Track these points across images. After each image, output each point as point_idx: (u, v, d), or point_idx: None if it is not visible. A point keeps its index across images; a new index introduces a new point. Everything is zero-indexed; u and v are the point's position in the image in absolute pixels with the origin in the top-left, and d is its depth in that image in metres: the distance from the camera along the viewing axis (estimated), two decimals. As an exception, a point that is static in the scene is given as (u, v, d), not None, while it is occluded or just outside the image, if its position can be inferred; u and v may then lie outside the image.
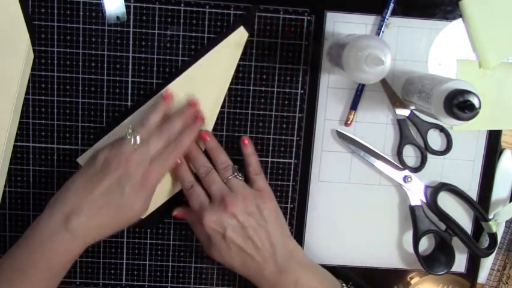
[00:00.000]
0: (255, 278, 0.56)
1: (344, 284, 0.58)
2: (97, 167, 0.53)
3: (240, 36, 0.59)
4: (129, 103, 0.60)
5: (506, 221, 0.65)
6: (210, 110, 0.60)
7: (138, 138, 0.54)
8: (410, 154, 0.63)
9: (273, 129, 0.62)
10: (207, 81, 0.60)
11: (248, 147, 0.59)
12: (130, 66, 0.59)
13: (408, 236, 0.64)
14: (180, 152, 0.57)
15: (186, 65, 0.59)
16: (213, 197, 0.56)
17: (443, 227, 0.63)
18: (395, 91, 0.61)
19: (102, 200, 0.52)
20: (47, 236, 0.50)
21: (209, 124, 0.61)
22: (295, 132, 0.62)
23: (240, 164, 0.60)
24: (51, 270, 0.51)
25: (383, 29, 0.59)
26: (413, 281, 0.66)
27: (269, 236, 0.55)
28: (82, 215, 0.51)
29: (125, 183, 0.52)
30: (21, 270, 0.49)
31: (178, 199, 0.61)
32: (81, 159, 0.60)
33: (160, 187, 0.58)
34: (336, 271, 0.65)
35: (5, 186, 0.61)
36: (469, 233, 0.64)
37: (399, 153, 0.62)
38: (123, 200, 0.53)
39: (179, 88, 0.59)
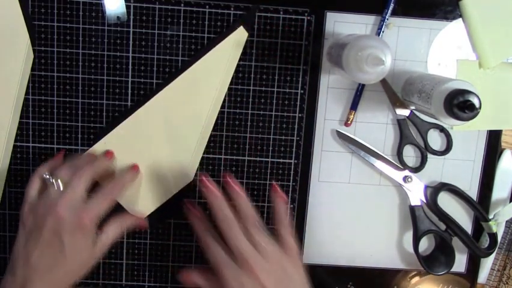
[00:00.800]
0: None
1: None
2: (30, 225, 0.51)
3: (239, 36, 0.59)
4: (129, 103, 0.60)
5: (506, 221, 0.65)
6: (210, 110, 0.60)
7: (60, 182, 0.53)
8: (410, 154, 0.63)
9: (273, 129, 0.62)
10: (207, 81, 0.60)
11: (278, 196, 0.55)
12: (130, 66, 0.59)
13: (408, 236, 0.64)
14: (117, 191, 0.55)
15: (186, 65, 0.59)
16: (236, 254, 0.51)
17: (443, 227, 0.63)
18: (395, 91, 0.61)
19: (46, 258, 0.50)
20: None
21: (209, 124, 0.61)
22: (295, 132, 0.62)
23: (240, 166, 0.60)
24: None
25: (383, 29, 0.59)
26: (413, 281, 0.66)
27: None
28: (36, 283, 0.49)
29: (61, 233, 0.50)
30: None
31: (178, 198, 0.61)
32: None
33: (159, 186, 0.58)
34: (336, 271, 0.65)
35: (5, 186, 0.61)
36: (469, 233, 0.64)
37: (399, 153, 0.62)
38: (67, 250, 0.50)
39: (179, 88, 0.59)
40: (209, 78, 0.60)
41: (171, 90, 0.59)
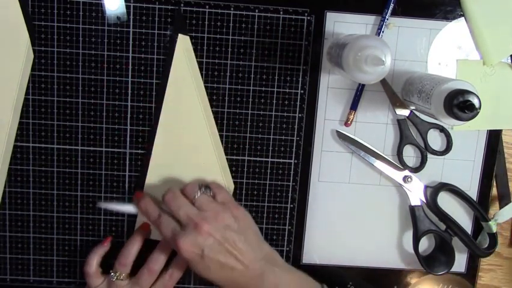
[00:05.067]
0: (235, 286, 0.55)
1: (324, 285, 0.57)
2: None
3: (183, 43, 0.59)
4: (129, 103, 0.60)
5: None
6: (205, 118, 0.60)
7: (123, 276, 0.58)
8: (410, 154, 0.63)
9: (273, 129, 0.62)
10: (185, 99, 0.60)
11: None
12: (130, 67, 0.59)
13: (408, 236, 0.64)
14: (177, 277, 0.60)
15: (159, 98, 0.60)
16: (183, 222, 0.54)
17: (443, 227, 0.63)
18: (395, 91, 0.61)
19: None
20: None
21: (213, 128, 0.61)
22: (295, 132, 0.62)
23: (240, 166, 0.60)
24: None
25: (383, 29, 0.59)
26: (413, 281, 0.66)
27: (246, 245, 0.54)
28: None
29: None
30: None
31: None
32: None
33: None
34: (336, 271, 0.65)
35: (5, 186, 0.61)
36: (469, 233, 0.64)
37: (399, 153, 0.62)
38: None
39: (167, 121, 0.60)
40: (185, 95, 0.60)
41: (164, 129, 0.60)
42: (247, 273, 0.54)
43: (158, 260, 0.59)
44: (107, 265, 0.61)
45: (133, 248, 0.60)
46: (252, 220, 0.58)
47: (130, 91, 0.60)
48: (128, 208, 0.60)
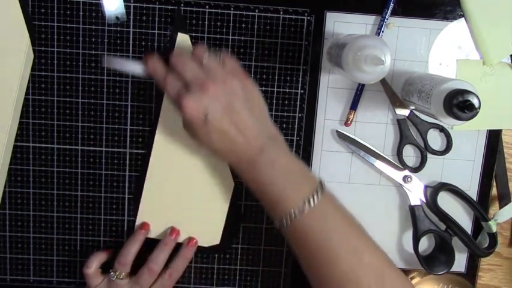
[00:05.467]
0: (232, 159, 0.53)
1: (322, 181, 0.53)
2: None
3: (183, 41, 0.59)
4: (129, 103, 0.60)
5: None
6: None
7: (122, 275, 0.59)
8: (410, 154, 0.63)
9: (273, 129, 0.61)
10: None
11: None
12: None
13: (408, 236, 0.64)
14: (176, 277, 0.60)
15: (158, 98, 0.59)
16: (190, 83, 0.51)
17: (443, 227, 0.63)
18: (395, 91, 0.61)
19: None
20: None
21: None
22: (295, 132, 0.62)
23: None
24: None
25: (383, 29, 0.59)
26: (413, 281, 0.66)
27: (251, 117, 0.52)
28: None
29: None
30: None
31: (236, 207, 0.62)
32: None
33: (211, 210, 0.62)
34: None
35: (5, 186, 0.61)
36: (469, 233, 0.64)
37: (399, 153, 0.62)
38: None
39: (167, 120, 0.60)
40: None
41: (163, 129, 0.61)
42: (248, 146, 0.51)
43: (157, 259, 0.59)
44: (107, 264, 0.61)
45: (133, 247, 0.60)
46: (261, 96, 0.55)
47: (130, 91, 0.60)
48: (135, 67, 0.55)
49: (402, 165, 0.62)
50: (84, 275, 0.59)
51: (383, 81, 0.61)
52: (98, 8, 0.58)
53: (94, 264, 0.60)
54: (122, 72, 0.59)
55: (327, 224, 0.51)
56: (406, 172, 0.62)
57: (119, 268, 0.59)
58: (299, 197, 0.51)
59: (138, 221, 0.62)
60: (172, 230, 0.61)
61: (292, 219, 0.50)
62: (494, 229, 0.63)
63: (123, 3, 0.58)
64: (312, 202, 0.51)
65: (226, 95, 0.50)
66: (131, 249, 0.59)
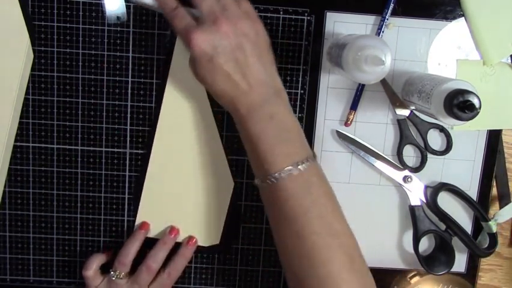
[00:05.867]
0: (231, 105, 0.51)
1: (314, 152, 0.53)
2: None
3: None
4: (129, 103, 0.60)
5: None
6: (205, 118, 0.60)
7: (122, 275, 0.59)
8: (410, 154, 0.63)
9: (273, 129, 0.61)
10: (185, 98, 0.60)
11: None
12: (130, 66, 0.59)
13: (408, 236, 0.64)
14: (175, 276, 0.60)
15: (158, 98, 0.60)
16: (203, 12, 0.49)
17: (443, 227, 0.63)
18: (395, 91, 0.61)
19: None
20: None
21: (211, 125, 0.61)
22: (295, 132, 0.62)
23: (240, 166, 0.60)
24: None
25: (383, 29, 0.59)
26: (413, 281, 0.66)
27: (258, 64, 0.50)
28: None
29: None
30: None
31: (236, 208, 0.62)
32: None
33: (211, 210, 0.62)
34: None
35: (5, 186, 0.61)
36: (469, 233, 0.64)
37: (399, 153, 0.62)
38: None
39: (167, 120, 0.60)
40: (184, 90, 0.60)
41: (163, 129, 0.60)
42: (249, 96, 0.50)
43: (156, 257, 0.59)
44: (107, 264, 0.61)
45: (133, 247, 0.60)
46: (271, 47, 0.53)
47: (130, 91, 0.60)
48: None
49: (402, 165, 0.62)
50: (84, 277, 0.59)
51: (383, 81, 0.61)
52: (98, 8, 0.58)
53: (93, 266, 0.59)
54: (132, 2, 0.57)
55: (309, 195, 0.50)
56: (406, 172, 0.62)
57: (119, 268, 0.59)
58: (288, 158, 0.50)
59: (138, 221, 0.62)
60: (172, 229, 0.61)
61: (276, 178, 0.49)
62: (494, 229, 0.63)
63: (124, 3, 0.58)
64: (300, 167, 0.49)
65: (238, 36, 0.49)
66: (131, 249, 0.59)
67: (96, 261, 0.60)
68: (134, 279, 0.59)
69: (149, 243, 0.61)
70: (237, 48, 0.49)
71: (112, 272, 0.59)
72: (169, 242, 0.61)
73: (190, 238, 0.62)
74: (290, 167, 0.49)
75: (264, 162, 0.50)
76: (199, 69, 0.50)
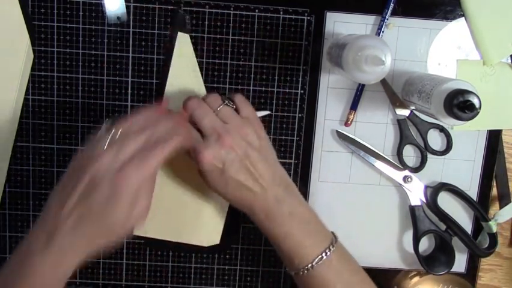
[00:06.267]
0: (249, 209, 0.53)
1: (334, 234, 0.55)
2: (70, 175, 0.48)
3: (183, 41, 0.59)
4: (129, 103, 0.60)
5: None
6: None
7: (109, 138, 0.48)
8: (410, 154, 0.63)
9: (273, 129, 0.62)
10: (185, 95, 0.59)
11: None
12: (130, 66, 0.59)
13: (408, 236, 0.64)
14: (160, 152, 0.48)
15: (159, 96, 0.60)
16: (205, 131, 0.51)
17: (443, 227, 0.63)
18: (395, 91, 0.61)
19: (79, 208, 0.46)
20: (32, 258, 0.46)
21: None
22: (295, 132, 0.62)
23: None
24: None
25: (383, 29, 0.59)
26: (413, 281, 0.66)
27: (267, 167, 0.53)
28: (64, 229, 0.46)
29: (92, 192, 0.46)
30: None
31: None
32: None
33: (211, 208, 0.61)
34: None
35: (5, 186, 0.61)
36: (469, 233, 0.64)
37: (399, 153, 0.62)
38: (98, 207, 0.46)
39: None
40: (184, 92, 0.60)
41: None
42: (264, 197, 0.52)
43: (155, 126, 0.51)
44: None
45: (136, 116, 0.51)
46: (270, 144, 0.56)
47: (130, 91, 0.60)
48: None
49: (402, 165, 0.62)
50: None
51: (383, 81, 0.61)
52: (98, 8, 0.58)
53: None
54: None
55: (341, 276, 0.53)
56: (406, 172, 0.62)
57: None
58: (317, 249, 0.52)
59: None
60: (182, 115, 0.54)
61: (309, 269, 0.52)
62: (494, 229, 0.63)
63: (124, 3, 0.58)
64: (329, 253, 0.53)
65: (243, 147, 0.52)
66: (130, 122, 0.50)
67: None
68: (115, 144, 0.49)
69: (150, 244, 0.61)
70: (244, 158, 0.51)
71: (98, 134, 0.50)
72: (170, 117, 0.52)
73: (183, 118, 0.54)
74: (320, 256, 0.52)
75: (294, 257, 0.53)
76: (211, 182, 0.52)
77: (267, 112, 0.59)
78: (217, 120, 0.52)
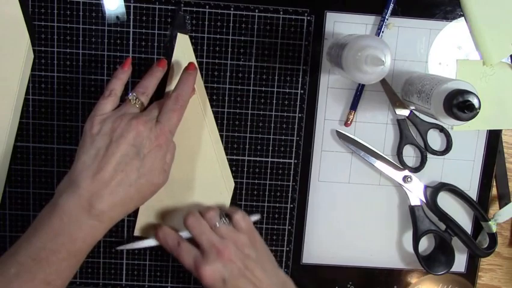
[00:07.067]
0: None
1: None
2: (103, 139, 0.51)
3: (183, 42, 0.59)
4: (129, 103, 0.60)
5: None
6: (205, 118, 0.60)
7: (139, 102, 0.54)
8: (410, 154, 0.63)
9: (273, 129, 0.62)
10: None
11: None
12: (130, 66, 0.59)
13: (408, 236, 0.64)
14: (184, 100, 0.54)
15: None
16: (204, 247, 0.55)
17: (443, 227, 0.63)
18: (395, 91, 0.61)
19: (120, 173, 0.50)
20: (69, 223, 0.48)
21: (211, 126, 0.61)
22: (295, 132, 0.62)
23: (240, 166, 0.60)
24: (75, 256, 0.49)
25: (383, 29, 0.59)
26: (413, 281, 0.66)
27: (264, 273, 0.56)
28: (105, 197, 0.49)
29: (140, 147, 0.50)
30: (41, 259, 0.47)
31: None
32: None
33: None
34: (336, 271, 0.65)
35: (5, 186, 0.61)
36: (469, 233, 0.64)
37: (399, 153, 0.62)
38: (143, 165, 0.51)
39: None
40: None
41: None
42: None
43: (147, 84, 0.56)
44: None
45: (151, 81, 0.56)
46: (267, 249, 0.60)
47: (130, 91, 0.60)
48: (148, 242, 0.59)
49: (402, 165, 0.62)
50: (109, 90, 0.54)
51: (383, 82, 0.61)
52: (98, 8, 0.58)
53: (119, 87, 0.55)
54: (137, 250, 0.63)
55: None
56: (406, 172, 0.62)
57: (139, 95, 0.55)
58: None
59: (138, 222, 0.62)
60: (160, 61, 0.57)
61: None
62: (494, 229, 0.63)
63: (123, 3, 0.58)
64: None
65: (241, 259, 0.55)
66: (150, 83, 0.56)
67: (120, 82, 0.55)
68: (145, 110, 0.55)
69: (156, 252, 0.61)
70: (244, 269, 0.55)
71: (130, 95, 0.55)
72: (158, 73, 0.57)
73: (190, 64, 0.57)
74: None
75: None
76: None
77: (257, 217, 0.62)
78: (215, 236, 0.56)
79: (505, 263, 0.68)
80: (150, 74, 0.57)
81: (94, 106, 0.54)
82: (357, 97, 0.61)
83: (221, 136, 0.61)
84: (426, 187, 0.63)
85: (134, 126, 0.51)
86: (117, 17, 0.58)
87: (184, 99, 0.55)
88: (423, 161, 0.62)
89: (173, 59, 0.59)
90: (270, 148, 0.62)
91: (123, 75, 0.56)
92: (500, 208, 0.64)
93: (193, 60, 0.59)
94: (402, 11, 0.60)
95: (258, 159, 0.62)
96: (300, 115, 0.62)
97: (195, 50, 0.59)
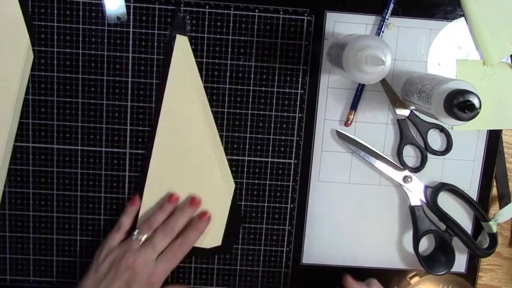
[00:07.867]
0: None
1: None
2: (105, 270, 0.56)
3: (182, 44, 0.59)
4: (129, 103, 0.60)
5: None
6: (204, 118, 0.60)
7: (143, 238, 0.58)
8: (410, 154, 0.63)
9: (273, 129, 0.62)
10: (184, 99, 0.60)
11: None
12: (130, 66, 0.59)
13: (408, 236, 0.64)
14: (187, 248, 0.59)
15: (158, 98, 0.60)
16: None
17: (443, 227, 0.63)
18: (395, 91, 0.61)
19: None
20: None
21: (211, 126, 0.61)
22: (295, 132, 0.62)
23: (240, 166, 0.60)
24: None
25: (383, 29, 0.59)
26: (413, 281, 0.66)
27: None
28: None
29: (132, 282, 0.55)
30: None
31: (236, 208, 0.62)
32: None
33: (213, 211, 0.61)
34: (336, 271, 0.65)
35: (5, 186, 0.61)
36: (469, 233, 0.64)
37: (399, 153, 0.62)
38: None
39: (167, 121, 0.60)
40: (184, 94, 0.60)
41: (163, 130, 0.60)
42: None
43: (175, 224, 0.59)
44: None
45: (161, 217, 0.60)
46: None
47: (130, 91, 0.60)
48: None
49: (402, 165, 0.62)
50: (119, 224, 0.60)
51: (383, 81, 0.61)
52: (98, 8, 0.58)
53: (128, 221, 0.60)
54: None
55: None
56: (406, 172, 0.62)
57: (144, 230, 0.59)
58: None
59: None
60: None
61: None
62: (494, 229, 0.63)
63: (124, 3, 0.58)
64: None
65: None
66: (159, 218, 0.60)
67: (129, 217, 0.61)
68: (149, 241, 0.58)
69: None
70: None
71: (135, 233, 0.59)
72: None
73: (204, 213, 0.61)
74: None
75: None
76: None
77: None
78: None
79: (505, 263, 0.68)
80: (160, 211, 0.60)
81: (107, 235, 0.60)
82: (357, 97, 0.61)
83: (221, 136, 0.61)
84: (426, 187, 0.63)
85: (130, 265, 0.56)
86: (117, 17, 0.58)
87: (189, 246, 0.59)
88: (423, 161, 0.62)
89: (172, 61, 0.59)
90: (270, 148, 0.62)
91: (132, 210, 0.61)
92: (500, 208, 0.64)
93: (192, 61, 0.59)
94: (403, 11, 0.60)
95: (258, 159, 0.62)
96: (300, 115, 0.62)
97: (195, 50, 0.59)
